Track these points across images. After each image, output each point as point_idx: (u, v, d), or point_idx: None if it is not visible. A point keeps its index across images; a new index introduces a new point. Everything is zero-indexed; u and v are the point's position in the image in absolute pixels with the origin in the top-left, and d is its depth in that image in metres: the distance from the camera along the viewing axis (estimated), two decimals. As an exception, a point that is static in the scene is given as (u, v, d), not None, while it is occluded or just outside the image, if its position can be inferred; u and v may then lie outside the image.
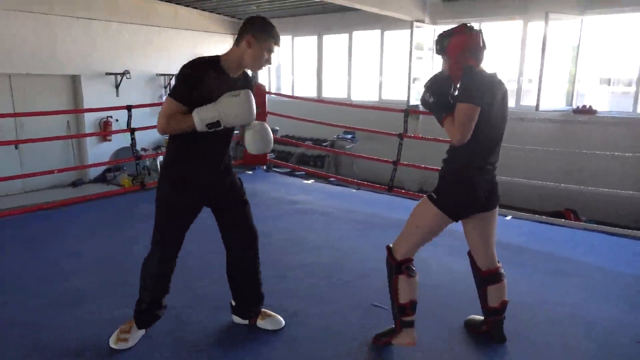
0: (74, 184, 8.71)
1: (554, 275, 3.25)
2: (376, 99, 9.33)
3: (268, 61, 2.13)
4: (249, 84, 2.26)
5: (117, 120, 9.02)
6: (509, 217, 4.28)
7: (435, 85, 2.20)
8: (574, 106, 7.10)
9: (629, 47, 7.34)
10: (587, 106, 6.97)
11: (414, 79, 8.18)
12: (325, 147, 8.56)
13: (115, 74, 9.02)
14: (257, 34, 2.06)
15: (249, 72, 2.29)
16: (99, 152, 9.02)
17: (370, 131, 5.74)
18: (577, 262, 3.48)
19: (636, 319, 2.68)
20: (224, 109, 2.03)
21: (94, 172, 9.06)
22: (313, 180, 5.85)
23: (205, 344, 2.35)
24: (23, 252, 3.51)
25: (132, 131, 4.94)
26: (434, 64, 8.52)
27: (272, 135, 2.28)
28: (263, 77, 11.23)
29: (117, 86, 9.11)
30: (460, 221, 2.28)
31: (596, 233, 4.11)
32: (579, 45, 6.91)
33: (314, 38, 10.08)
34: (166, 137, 8.51)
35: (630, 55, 7.29)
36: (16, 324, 2.49)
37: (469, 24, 2.18)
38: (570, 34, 6.86)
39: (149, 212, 2.30)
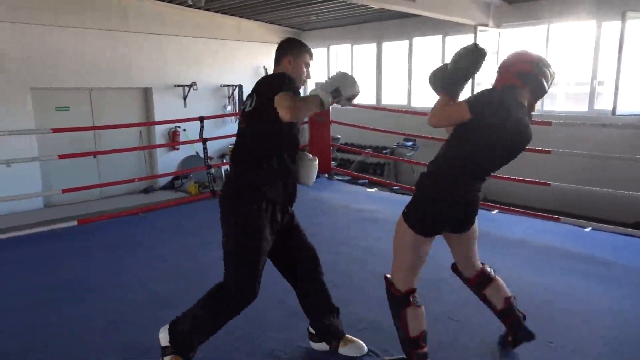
0: (146, 191, 9.20)
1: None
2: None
3: (308, 75, 2.32)
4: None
5: (184, 130, 9.46)
6: (588, 229, 4.07)
7: (468, 62, 2.08)
8: (657, 110, 6.65)
9: None
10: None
11: (478, 84, 7.99)
12: (385, 155, 8.53)
13: (183, 86, 9.47)
14: (295, 53, 2.27)
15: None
16: (168, 161, 9.51)
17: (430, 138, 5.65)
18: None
19: None
20: (335, 81, 2.07)
21: (163, 180, 9.53)
22: (376, 189, 5.84)
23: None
24: (105, 257, 3.75)
25: (204, 141, 5.16)
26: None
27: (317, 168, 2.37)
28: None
29: (184, 97, 9.56)
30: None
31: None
32: (660, 44, 6.48)
33: (373, 45, 10.09)
34: (231, 145, 8.78)
35: None
36: (98, 325, 2.68)
37: (527, 52, 2.11)
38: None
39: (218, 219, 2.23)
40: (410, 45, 9.47)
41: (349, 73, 2.12)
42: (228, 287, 2.12)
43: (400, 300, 2.12)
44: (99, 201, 8.58)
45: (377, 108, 8.84)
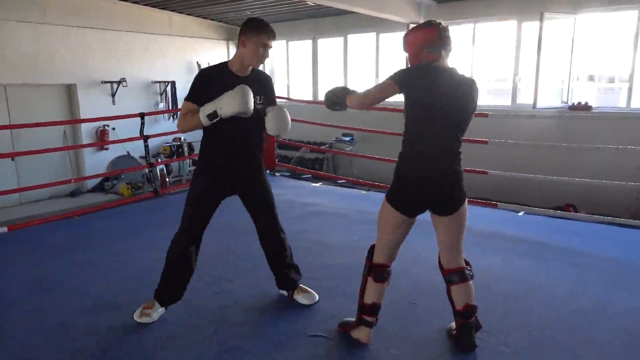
0: (72, 194, 8.63)
1: (577, 267, 3.33)
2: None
3: (265, 56, 2.41)
4: (262, 79, 2.55)
5: (113, 129, 8.98)
6: (521, 213, 4.38)
7: (331, 93, 2.43)
8: (569, 103, 7.25)
9: (613, 44, 7.53)
10: (583, 103, 7.13)
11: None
12: (328, 149, 8.61)
13: (111, 82, 8.97)
14: (248, 33, 2.36)
15: (264, 70, 2.62)
16: (96, 161, 8.98)
17: (379, 133, 5.80)
18: (597, 254, 3.55)
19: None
20: (219, 102, 2.29)
21: (92, 182, 8.98)
22: (321, 183, 5.89)
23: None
24: (39, 265, 3.49)
25: (146, 139, 4.92)
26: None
27: (289, 117, 2.54)
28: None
29: (113, 94, 9.06)
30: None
31: (606, 225, 4.21)
32: (572, 43, 7.06)
33: (309, 42, 10.13)
34: (166, 144, 8.44)
35: (614, 52, 7.49)
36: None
37: (435, 20, 2.21)
38: (563, 33, 7.01)
39: (166, 219, 2.43)
40: (346, 41, 9.62)
41: (244, 91, 2.28)
42: (177, 232, 2.56)
43: (367, 269, 2.32)
44: (21, 206, 7.93)
45: (320, 102, 8.89)
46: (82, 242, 3.91)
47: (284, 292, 2.87)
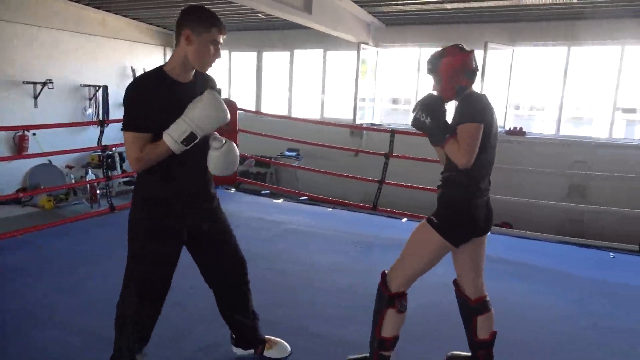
0: (-18, 206, 7.59)
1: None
2: (318, 117, 9.42)
3: (216, 55, 1.88)
4: (209, 84, 2.01)
5: (34, 134, 8.07)
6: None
7: (430, 106, 2.12)
8: (506, 128, 7.79)
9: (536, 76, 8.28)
10: (518, 128, 7.70)
11: (362, 99, 8.45)
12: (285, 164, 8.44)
13: (35, 83, 8.09)
14: (195, 26, 1.81)
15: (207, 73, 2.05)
16: (11, 170, 7.95)
17: (355, 151, 5.82)
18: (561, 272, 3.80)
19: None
20: (193, 119, 1.80)
21: (7, 190, 7.97)
22: (282, 200, 5.72)
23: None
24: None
25: (104, 149, 4.43)
26: (377, 84, 8.87)
27: (238, 154, 2.06)
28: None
29: (36, 97, 8.17)
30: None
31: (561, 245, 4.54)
32: (510, 73, 7.63)
33: (254, 54, 9.95)
34: (94, 152, 7.63)
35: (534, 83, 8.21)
36: None
37: (461, 45, 2.18)
38: (502, 63, 7.55)
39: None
40: (292, 56, 9.57)
41: (216, 96, 1.84)
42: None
43: (387, 300, 2.14)
44: None
45: (258, 112, 8.70)
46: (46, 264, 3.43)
47: (247, 352, 2.35)
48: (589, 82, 9.74)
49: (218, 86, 2.21)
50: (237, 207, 5.16)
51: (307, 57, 9.60)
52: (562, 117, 7.62)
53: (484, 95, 2.16)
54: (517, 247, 4.40)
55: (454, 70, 2.10)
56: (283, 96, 9.79)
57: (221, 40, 1.88)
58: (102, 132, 4.46)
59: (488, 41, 7.20)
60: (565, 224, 7.00)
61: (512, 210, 7.23)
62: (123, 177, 6.73)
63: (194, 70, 1.93)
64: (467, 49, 2.16)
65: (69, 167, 8.35)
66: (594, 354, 2.61)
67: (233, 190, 6.08)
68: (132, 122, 1.82)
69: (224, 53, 10.21)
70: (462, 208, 2.11)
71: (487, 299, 2.29)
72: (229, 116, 1.87)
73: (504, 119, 7.82)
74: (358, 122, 8.41)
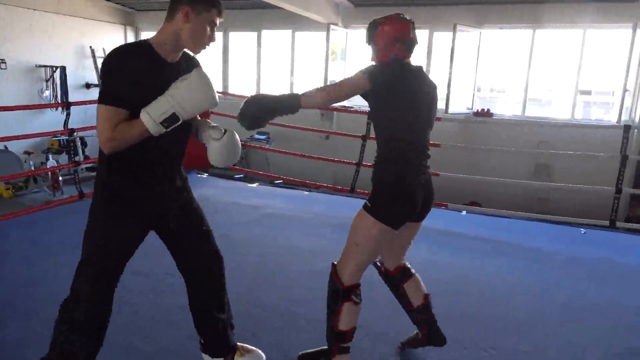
0: None
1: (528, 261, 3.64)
2: (287, 99, 9.30)
3: (211, 38, 1.75)
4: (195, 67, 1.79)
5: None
6: (464, 212, 4.68)
7: (255, 100, 1.93)
8: (473, 110, 7.94)
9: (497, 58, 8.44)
10: (485, 110, 7.86)
11: (331, 81, 8.38)
12: (251, 145, 8.30)
13: (-14, 62, 7.61)
14: (196, 4, 1.66)
15: (191, 54, 1.87)
16: (-36, 156, 7.53)
17: (336, 134, 5.77)
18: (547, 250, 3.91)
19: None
20: (177, 98, 1.61)
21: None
22: (258, 184, 5.64)
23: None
24: None
25: (71, 132, 4.21)
26: (347, 66, 8.82)
27: (240, 144, 1.88)
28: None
29: (-13, 77, 7.70)
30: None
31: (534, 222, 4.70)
32: (478, 55, 7.74)
33: (220, 35, 9.67)
34: (54, 137, 7.36)
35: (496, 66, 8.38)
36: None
37: (402, 15, 2.06)
38: (471, 45, 7.65)
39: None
40: (259, 37, 9.37)
41: (205, 77, 1.64)
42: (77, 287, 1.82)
43: (342, 293, 2.03)
44: None
45: (226, 93, 8.51)
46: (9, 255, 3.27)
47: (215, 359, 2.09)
48: (549, 65, 10.01)
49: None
50: (212, 191, 5.07)
51: (276, 38, 9.42)
52: (527, 98, 7.82)
53: (415, 67, 2.05)
54: (489, 225, 4.52)
55: (389, 38, 1.99)
56: (251, 78, 9.61)
57: (218, 23, 1.75)
58: (68, 115, 4.24)
59: (457, 23, 7.26)
60: (533, 202, 7.25)
61: (480, 190, 7.44)
62: (87, 164, 6.45)
63: (182, 51, 1.76)
64: (407, 18, 2.05)
65: (27, 152, 7.94)
66: (567, 328, 2.71)
67: (206, 175, 5.95)
68: (109, 95, 1.62)
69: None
70: (395, 187, 2.00)
71: (407, 265, 2.27)
72: (217, 99, 1.67)
73: (472, 101, 7.96)
74: (328, 104, 8.36)
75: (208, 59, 9.83)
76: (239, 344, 2.13)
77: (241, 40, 9.68)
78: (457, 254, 3.71)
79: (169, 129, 1.63)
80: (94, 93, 9.44)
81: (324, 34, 8.23)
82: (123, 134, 1.61)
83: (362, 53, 9.00)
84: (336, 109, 8.18)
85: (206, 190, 5.09)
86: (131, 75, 1.61)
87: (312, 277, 3.13)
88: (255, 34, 9.39)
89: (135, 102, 1.61)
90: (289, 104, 1.92)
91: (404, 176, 1.99)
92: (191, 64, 1.82)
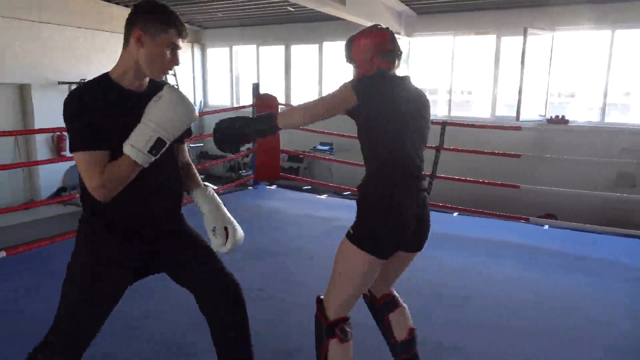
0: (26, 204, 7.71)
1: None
2: (349, 109, 9.30)
3: (174, 62, 1.58)
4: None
5: (70, 134, 8.16)
6: (546, 227, 4.44)
7: (230, 120, 1.78)
8: (547, 116, 7.56)
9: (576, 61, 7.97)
10: (560, 116, 7.46)
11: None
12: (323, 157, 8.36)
13: (70, 83, 8.17)
14: (149, 26, 1.51)
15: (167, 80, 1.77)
16: (52, 170, 8.10)
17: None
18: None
19: None
20: (155, 122, 1.49)
21: (46, 190, 8.11)
22: (326, 195, 5.65)
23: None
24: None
25: None
26: (410, 74, 8.68)
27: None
28: (222, 87, 10.80)
29: (71, 96, 8.25)
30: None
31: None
32: (551, 59, 7.38)
33: (282, 48, 9.86)
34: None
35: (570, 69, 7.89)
36: None
37: (379, 25, 1.95)
38: (542, 49, 7.30)
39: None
40: (321, 49, 9.46)
41: (178, 92, 1.54)
42: (46, 344, 1.62)
43: (326, 330, 1.82)
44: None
45: (288, 105, 8.63)
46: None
47: None
48: (626, 68, 9.38)
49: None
50: (281, 204, 5.11)
51: (336, 50, 9.46)
52: (606, 103, 7.34)
53: (400, 77, 1.89)
54: (575, 240, 4.23)
55: (368, 51, 1.86)
56: (313, 89, 9.70)
57: (180, 45, 1.57)
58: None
59: (527, 27, 6.97)
60: (613, 213, 6.77)
61: (556, 202, 7.04)
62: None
63: (144, 77, 1.60)
64: (383, 27, 1.94)
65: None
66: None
67: (274, 187, 6.03)
68: (80, 140, 1.47)
69: (251, 47, 10.20)
70: (381, 210, 1.77)
71: (395, 294, 2.05)
72: (196, 113, 1.58)
73: (545, 108, 7.58)
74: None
75: (271, 72, 10.06)
76: None
77: (303, 53, 9.81)
78: (544, 270, 3.50)
79: (157, 156, 1.52)
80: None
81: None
82: (113, 175, 1.48)
83: (420, 61, 8.85)
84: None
85: (275, 202, 5.14)
86: (92, 116, 1.48)
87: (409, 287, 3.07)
88: (316, 46, 9.48)
89: (108, 141, 1.49)
90: (264, 125, 1.77)
91: (391, 195, 1.77)
92: (162, 84, 1.64)
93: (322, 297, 1.88)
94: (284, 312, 2.75)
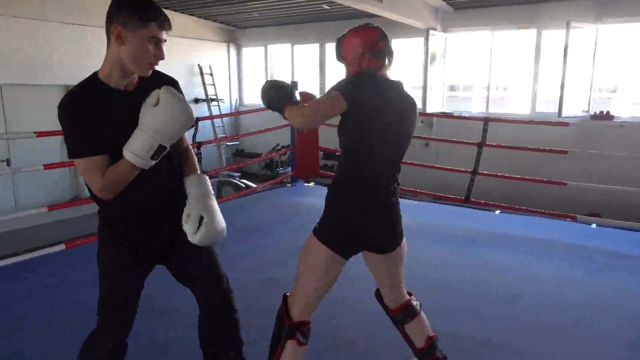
0: (72, 201, 8.04)
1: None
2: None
3: (158, 56, 1.53)
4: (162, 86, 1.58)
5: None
6: (593, 225, 4.32)
7: (274, 83, 1.89)
8: (591, 112, 7.32)
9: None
10: (604, 112, 7.22)
11: (430, 87, 8.24)
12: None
13: (112, 84, 8.45)
14: (127, 20, 1.46)
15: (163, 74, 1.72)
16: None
17: (447, 141, 5.67)
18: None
19: None
20: (154, 128, 1.47)
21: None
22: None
23: None
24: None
25: (199, 145, 4.53)
26: (446, 71, 8.59)
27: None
28: (257, 86, 10.91)
29: (113, 97, 8.54)
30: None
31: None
32: (595, 53, 7.13)
33: (316, 46, 9.90)
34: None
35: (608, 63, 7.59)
36: None
37: (370, 24, 1.92)
38: (586, 42, 7.07)
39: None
40: (356, 46, 9.44)
41: (173, 92, 1.51)
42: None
43: (287, 330, 1.83)
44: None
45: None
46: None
47: None
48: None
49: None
50: (320, 201, 5.02)
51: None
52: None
53: (391, 80, 1.87)
54: (628, 240, 4.08)
55: (356, 50, 1.84)
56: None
57: (164, 37, 1.54)
58: (196, 129, 4.56)
59: (570, 20, 6.77)
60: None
61: (599, 199, 6.82)
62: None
63: (131, 75, 1.57)
64: (375, 26, 1.90)
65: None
66: None
67: (312, 183, 6.08)
68: (77, 146, 1.49)
69: (285, 47, 10.28)
70: (345, 209, 1.79)
71: (410, 304, 2.02)
72: (194, 116, 1.56)
73: (589, 103, 7.35)
74: (429, 110, 8.20)
75: (305, 70, 10.12)
76: None
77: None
78: (594, 270, 3.42)
79: (157, 160, 1.53)
80: (203, 108, 10.11)
81: (419, 39, 8.13)
82: (113, 178, 1.50)
83: (460, 58, 8.73)
84: (435, 115, 8.00)
85: (314, 199, 5.18)
86: (85, 122, 1.48)
87: (444, 290, 3.06)
88: (351, 43, 9.46)
89: (103, 144, 1.50)
90: (278, 104, 1.84)
91: (358, 196, 1.79)
92: (159, 83, 1.59)
93: (287, 294, 1.90)
94: (331, 308, 2.77)
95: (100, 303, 1.69)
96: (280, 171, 9.12)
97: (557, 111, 7.02)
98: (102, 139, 1.50)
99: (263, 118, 8.37)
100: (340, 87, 1.76)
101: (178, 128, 1.50)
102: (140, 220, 1.66)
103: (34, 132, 3.37)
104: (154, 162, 1.51)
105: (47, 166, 3.50)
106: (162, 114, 1.47)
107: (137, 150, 1.47)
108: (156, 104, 1.47)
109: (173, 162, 1.70)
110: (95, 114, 1.49)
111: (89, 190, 1.61)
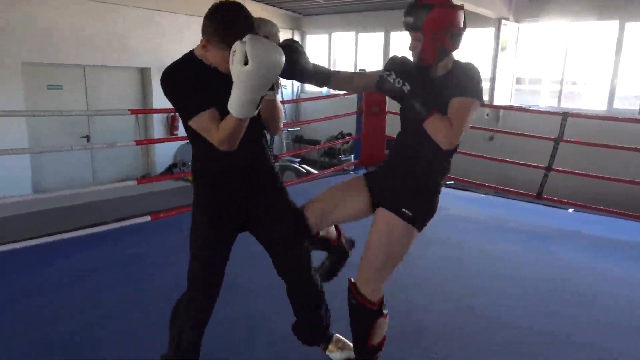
0: (144, 177, 8.50)
1: None
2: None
3: None
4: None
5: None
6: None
7: (407, 72, 1.74)
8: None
9: None
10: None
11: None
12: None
13: (182, 68, 8.79)
14: (211, 38, 1.59)
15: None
16: (165, 147, 8.80)
17: (521, 135, 5.52)
18: None
19: None
20: (252, 85, 1.47)
21: (160, 167, 8.85)
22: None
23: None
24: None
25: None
26: (516, 62, 8.30)
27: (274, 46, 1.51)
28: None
29: (183, 80, 8.89)
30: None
31: None
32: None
33: (381, 35, 9.83)
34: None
35: None
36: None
37: (451, 2, 1.76)
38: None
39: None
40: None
41: (258, 42, 1.46)
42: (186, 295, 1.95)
43: (375, 314, 1.88)
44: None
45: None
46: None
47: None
48: None
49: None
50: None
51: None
52: None
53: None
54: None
55: (441, 27, 1.70)
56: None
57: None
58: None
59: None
60: None
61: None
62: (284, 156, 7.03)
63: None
64: (458, 5, 1.77)
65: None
66: None
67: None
68: (195, 103, 1.61)
69: (350, 34, 10.26)
70: (437, 195, 1.91)
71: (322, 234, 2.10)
72: (283, 57, 1.51)
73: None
74: (494, 103, 7.97)
75: (368, 59, 10.07)
76: (336, 336, 2.12)
77: (402, 40, 9.70)
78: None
79: (268, 98, 1.64)
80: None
81: (489, 30, 7.88)
82: (227, 133, 1.57)
83: (530, 47, 8.37)
84: (501, 107, 7.77)
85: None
86: (192, 81, 1.63)
87: (516, 282, 3.04)
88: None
89: (214, 101, 1.60)
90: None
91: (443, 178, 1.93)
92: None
93: (353, 280, 1.91)
94: (402, 292, 2.79)
95: (191, 277, 1.83)
96: (342, 158, 9.18)
97: (637, 108, 6.64)
98: (210, 96, 1.61)
99: (323, 105, 8.49)
100: (476, 94, 1.72)
101: (270, 78, 1.51)
102: (233, 181, 1.76)
103: (128, 110, 3.58)
104: (256, 112, 1.57)
105: (139, 142, 3.73)
106: (252, 72, 1.45)
107: (236, 107, 1.51)
108: (245, 64, 1.45)
109: (259, 129, 1.79)
110: (198, 78, 1.65)
111: (192, 160, 1.79)
